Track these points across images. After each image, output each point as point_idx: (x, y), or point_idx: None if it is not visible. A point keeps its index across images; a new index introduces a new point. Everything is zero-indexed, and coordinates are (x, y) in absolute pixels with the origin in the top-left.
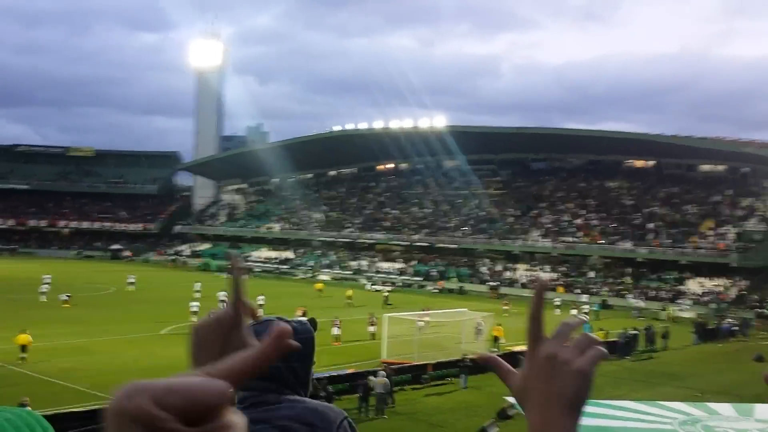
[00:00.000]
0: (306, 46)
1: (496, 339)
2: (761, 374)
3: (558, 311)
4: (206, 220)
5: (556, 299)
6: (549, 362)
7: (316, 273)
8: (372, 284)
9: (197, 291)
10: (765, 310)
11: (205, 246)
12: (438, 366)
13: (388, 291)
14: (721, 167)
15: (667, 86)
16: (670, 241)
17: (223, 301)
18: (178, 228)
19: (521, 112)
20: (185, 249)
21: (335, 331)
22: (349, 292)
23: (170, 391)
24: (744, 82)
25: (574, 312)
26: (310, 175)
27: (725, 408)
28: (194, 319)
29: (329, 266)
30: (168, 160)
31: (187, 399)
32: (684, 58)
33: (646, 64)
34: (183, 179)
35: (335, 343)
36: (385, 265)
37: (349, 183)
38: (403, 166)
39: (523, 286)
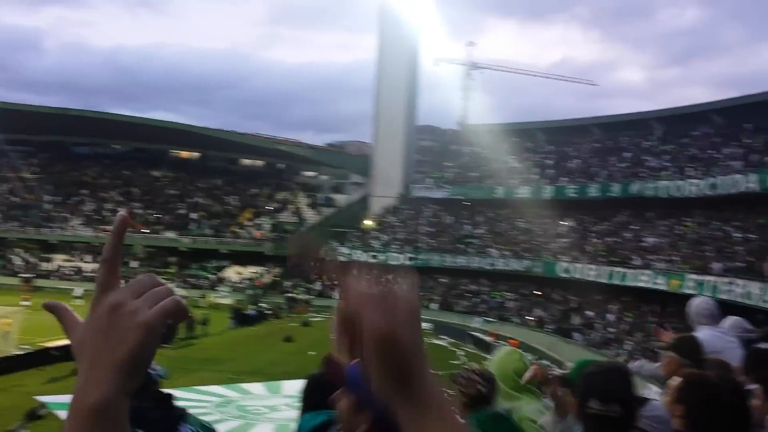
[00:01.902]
0: None
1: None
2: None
3: (80, 302)
4: None
5: (76, 289)
6: (113, 312)
7: None
8: None
9: None
10: (295, 295)
11: None
12: None
13: None
14: (260, 162)
15: (217, 82)
16: (212, 231)
17: None
18: None
19: (68, 93)
20: None
21: None
22: None
23: None
24: (284, 85)
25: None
26: None
27: (257, 387)
28: None
29: None
30: None
31: None
32: (233, 57)
33: (198, 59)
34: None
35: None
36: None
37: None
38: None
39: (61, 278)
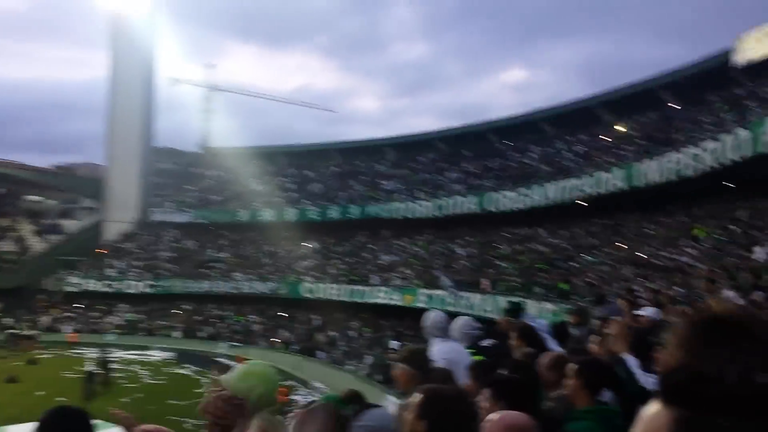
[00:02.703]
0: None
1: None
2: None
3: None
4: None
5: None
6: None
7: None
8: None
9: None
10: (19, 330)
11: None
12: None
13: None
14: None
15: None
16: None
17: None
18: None
19: None
20: None
21: None
22: None
23: None
24: (5, 103)
25: None
26: None
27: None
28: None
29: None
30: None
31: None
32: None
33: None
34: None
35: None
36: None
37: None
38: None
39: None
